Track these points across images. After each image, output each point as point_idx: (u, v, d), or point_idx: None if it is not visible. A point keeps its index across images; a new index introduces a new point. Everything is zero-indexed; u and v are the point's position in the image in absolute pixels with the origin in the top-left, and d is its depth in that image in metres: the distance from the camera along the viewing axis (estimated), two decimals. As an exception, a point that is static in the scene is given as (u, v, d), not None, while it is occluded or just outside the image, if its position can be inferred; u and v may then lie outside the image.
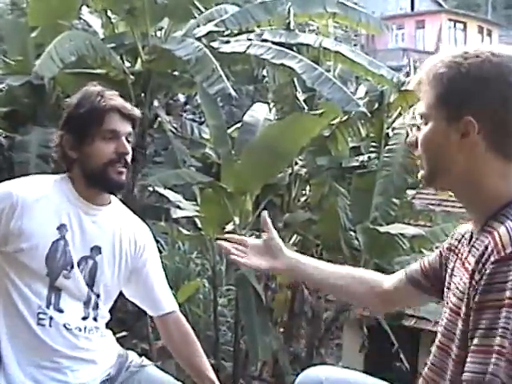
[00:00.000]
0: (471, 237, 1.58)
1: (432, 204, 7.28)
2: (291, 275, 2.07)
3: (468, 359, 1.42)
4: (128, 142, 2.27)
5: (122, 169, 2.25)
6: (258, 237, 6.53)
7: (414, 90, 1.66)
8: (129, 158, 2.28)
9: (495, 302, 1.38)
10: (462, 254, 1.60)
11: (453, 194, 1.64)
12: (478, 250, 1.47)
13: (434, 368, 1.61)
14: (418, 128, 1.60)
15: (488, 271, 1.40)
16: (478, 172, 1.53)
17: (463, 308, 1.48)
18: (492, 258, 1.40)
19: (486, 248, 1.42)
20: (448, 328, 1.56)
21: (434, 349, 1.62)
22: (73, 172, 2.28)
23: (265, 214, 2.15)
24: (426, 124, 1.58)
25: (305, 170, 7.39)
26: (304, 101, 7.06)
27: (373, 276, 2.03)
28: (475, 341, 1.41)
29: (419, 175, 1.64)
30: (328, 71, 6.86)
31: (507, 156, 1.52)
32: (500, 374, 1.35)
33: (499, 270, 1.38)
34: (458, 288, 1.55)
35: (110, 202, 2.35)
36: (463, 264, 1.55)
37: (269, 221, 2.12)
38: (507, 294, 1.36)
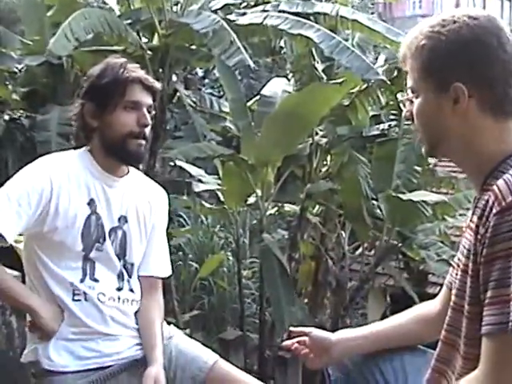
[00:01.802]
0: (474, 200, 1.60)
1: (454, 171, 7.22)
2: (350, 355, 2.03)
3: (484, 313, 1.43)
4: (149, 113, 2.30)
5: (142, 141, 2.29)
6: (280, 208, 6.50)
7: (401, 65, 1.68)
8: (148, 130, 2.31)
9: (504, 251, 1.40)
10: (469, 219, 1.62)
11: (453, 162, 1.67)
12: (480, 207, 1.49)
13: (450, 328, 1.64)
14: (411, 102, 1.62)
15: (492, 223, 1.42)
16: (473, 135, 1.56)
17: (470, 265, 1.51)
18: (494, 210, 1.42)
19: (487, 202, 1.45)
20: (460, 288, 1.59)
21: (449, 310, 1.64)
22: (92, 143, 2.32)
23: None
24: (417, 97, 1.61)
25: (325, 140, 7.36)
26: (323, 71, 7.02)
27: (421, 308, 1.99)
28: (489, 293, 1.43)
29: (422, 150, 1.67)
30: (346, 40, 6.80)
31: (499, 115, 1.55)
32: None
33: (503, 221, 1.40)
34: (464, 247, 1.58)
35: (128, 172, 2.38)
36: (469, 226, 1.57)
37: (297, 329, 2.10)
38: None
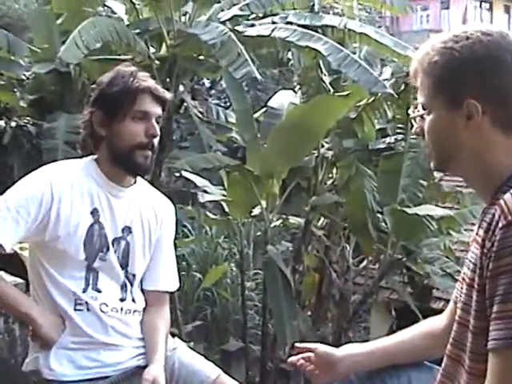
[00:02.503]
0: (482, 213, 1.60)
1: (459, 186, 7.21)
2: (356, 371, 2.02)
3: (491, 327, 1.41)
4: (157, 123, 2.28)
5: (149, 152, 2.26)
6: (285, 220, 6.46)
7: (412, 81, 1.66)
8: (156, 141, 2.29)
9: (510, 265, 1.38)
10: (475, 232, 1.61)
11: (462, 178, 1.66)
12: (486, 221, 1.47)
13: (455, 342, 1.62)
14: (422, 117, 1.61)
15: (498, 237, 1.40)
16: (485, 150, 1.54)
17: (476, 279, 1.50)
18: (500, 224, 1.40)
19: (494, 216, 1.43)
20: (465, 302, 1.57)
21: (454, 325, 1.63)
22: (99, 151, 2.29)
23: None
24: (428, 114, 1.59)
25: (331, 152, 7.35)
26: (330, 83, 7.02)
27: (427, 323, 1.97)
28: (495, 308, 1.41)
29: (431, 165, 1.65)
30: (354, 53, 6.81)
31: (510, 131, 1.53)
32: None
33: (509, 234, 1.39)
34: (470, 261, 1.56)
35: (135, 182, 2.36)
36: (475, 239, 1.56)
37: (302, 345, 2.08)
38: None
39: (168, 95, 2.34)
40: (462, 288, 1.63)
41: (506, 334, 1.38)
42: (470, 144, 1.55)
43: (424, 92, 1.60)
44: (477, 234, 1.56)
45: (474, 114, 1.51)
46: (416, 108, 1.66)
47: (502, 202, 1.43)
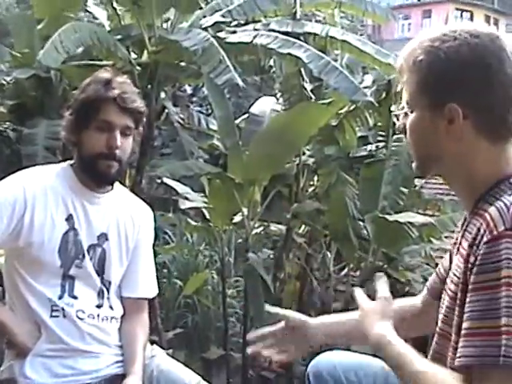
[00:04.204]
0: (464, 221, 1.58)
1: (440, 193, 7.24)
2: (330, 342, 2.01)
3: (463, 343, 1.37)
4: (124, 135, 2.24)
5: (112, 162, 2.23)
6: (266, 227, 6.45)
7: (397, 78, 1.65)
8: (120, 152, 2.25)
9: (491, 281, 1.35)
10: (458, 242, 1.59)
11: (444, 181, 1.65)
12: (470, 233, 1.46)
13: (436, 355, 1.61)
14: (406, 114, 1.59)
15: (482, 251, 1.38)
16: (467, 156, 1.52)
17: (459, 294, 1.47)
18: (485, 239, 1.38)
19: (479, 230, 1.41)
20: (446, 314, 1.56)
21: (435, 336, 1.61)
22: (74, 157, 2.29)
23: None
24: (411, 112, 1.57)
25: (312, 159, 7.35)
26: (311, 91, 7.02)
27: (406, 303, 1.99)
28: (469, 323, 1.37)
29: (413, 166, 1.63)
30: (335, 61, 6.82)
31: (495, 139, 1.51)
32: None
33: (493, 250, 1.36)
34: (454, 274, 1.54)
35: (112, 189, 2.34)
36: (458, 250, 1.55)
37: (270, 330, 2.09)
38: (503, 272, 1.33)
39: (138, 105, 2.28)
40: (443, 299, 1.61)
41: (485, 351, 1.33)
42: (451, 149, 1.52)
43: (408, 90, 1.57)
44: (460, 244, 1.54)
45: (455, 118, 1.49)
46: (401, 104, 1.64)
47: (487, 215, 1.40)
